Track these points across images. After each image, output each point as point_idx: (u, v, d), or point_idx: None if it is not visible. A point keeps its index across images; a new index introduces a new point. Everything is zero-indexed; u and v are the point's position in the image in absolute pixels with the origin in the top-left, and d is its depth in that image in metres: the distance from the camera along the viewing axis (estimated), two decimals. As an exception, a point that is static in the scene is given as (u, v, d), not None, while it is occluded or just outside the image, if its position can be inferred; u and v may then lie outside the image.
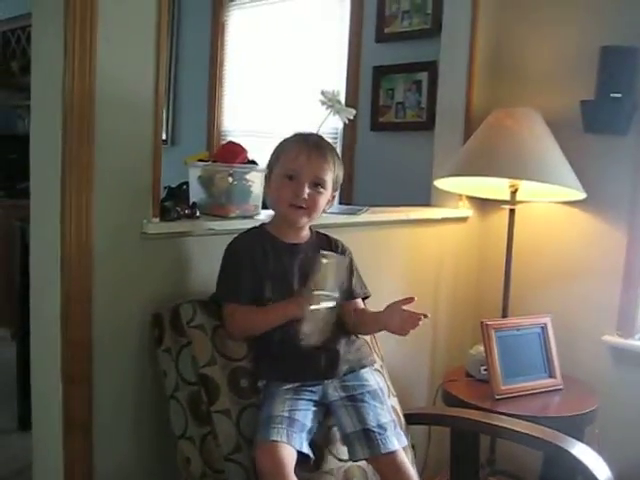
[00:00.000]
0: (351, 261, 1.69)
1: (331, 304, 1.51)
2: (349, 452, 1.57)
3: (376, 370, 1.73)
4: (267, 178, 1.64)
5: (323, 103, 1.87)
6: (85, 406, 1.53)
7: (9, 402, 3.10)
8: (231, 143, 1.89)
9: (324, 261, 1.47)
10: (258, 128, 3.89)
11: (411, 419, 1.87)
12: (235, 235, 1.61)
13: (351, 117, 1.92)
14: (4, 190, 4.61)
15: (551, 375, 2.27)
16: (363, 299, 1.71)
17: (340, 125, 3.44)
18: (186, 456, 1.50)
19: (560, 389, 2.26)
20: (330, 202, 1.64)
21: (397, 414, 1.80)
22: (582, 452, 1.68)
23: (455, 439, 2.25)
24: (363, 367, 1.63)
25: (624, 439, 2.31)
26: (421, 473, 1.97)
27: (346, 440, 1.57)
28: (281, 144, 1.62)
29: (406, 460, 1.57)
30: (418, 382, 2.57)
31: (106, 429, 1.58)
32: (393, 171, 3.33)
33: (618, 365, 2.43)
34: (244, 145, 1.84)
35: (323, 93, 1.87)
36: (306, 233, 1.64)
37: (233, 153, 1.78)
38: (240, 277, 1.56)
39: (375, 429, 1.53)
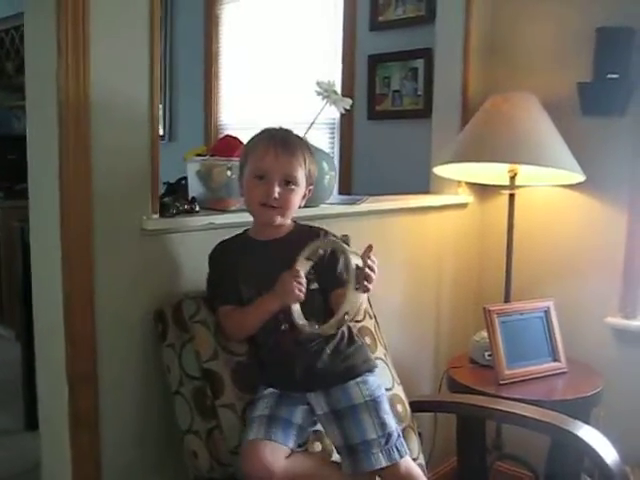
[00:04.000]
0: (336, 244, 1.50)
1: (313, 285, 1.48)
2: (340, 463, 1.52)
3: (377, 367, 1.63)
4: (239, 179, 1.58)
5: (319, 94, 1.87)
6: (91, 404, 1.53)
7: (15, 402, 3.11)
8: (228, 137, 1.88)
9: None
10: (255, 120, 3.87)
11: (416, 407, 1.87)
12: (225, 236, 1.61)
13: (347, 107, 1.92)
14: (3, 191, 4.61)
15: (555, 359, 2.27)
16: None
17: (337, 115, 3.44)
18: (193, 450, 1.50)
19: (565, 372, 2.26)
20: (307, 196, 1.59)
21: (402, 403, 1.80)
22: (588, 434, 1.67)
23: (461, 425, 2.26)
24: (353, 378, 1.53)
25: (630, 420, 2.31)
26: (428, 460, 1.98)
27: (336, 451, 1.54)
28: (249, 143, 1.58)
29: (411, 470, 1.50)
30: (422, 369, 2.58)
31: (113, 426, 1.58)
32: (391, 160, 3.33)
33: (622, 346, 2.43)
34: (242, 138, 1.84)
35: (319, 84, 1.88)
36: (285, 228, 1.58)
37: (230, 146, 1.78)
38: (221, 282, 1.56)
39: (359, 447, 1.47)
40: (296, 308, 1.44)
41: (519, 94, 2.34)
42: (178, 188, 1.91)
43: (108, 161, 1.52)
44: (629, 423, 2.29)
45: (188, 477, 1.54)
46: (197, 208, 1.71)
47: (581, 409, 2.03)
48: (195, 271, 1.62)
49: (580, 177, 2.27)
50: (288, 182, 1.51)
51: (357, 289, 1.36)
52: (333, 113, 3.35)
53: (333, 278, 1.51)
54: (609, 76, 2.30)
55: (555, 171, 2.27)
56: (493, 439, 2.44)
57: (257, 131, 1.59)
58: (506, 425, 2.40)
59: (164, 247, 1.64)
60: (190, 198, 1.73)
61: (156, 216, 1.61)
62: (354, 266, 1.35)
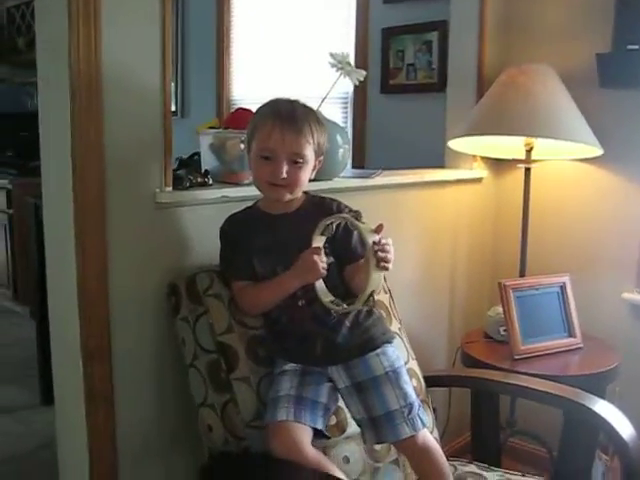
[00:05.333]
0: (349, 220, 1.48)
1: (329, 259, 1.46)
2: (362, 436, 1.53)
3: (395, 339, 1.62)
4: (247, 152, 1.55)
5: (333, 65, 1.85)
6: (106, 379, 1.54)
7: (31, 378, 3.14)
8: (241, 109, 1.86)
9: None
10: (268, 95, 3.85)
11: (431, 381, 1.86)
12: (235, 210, 1.60)
13: (361, 78, 1.90)
14: (16, 168, 4.62)
15: (571, 334, 2.25)
16: None
17: (350, 89, 3.41)
18: (207, 423, 1.50)
19: (580, 348, 2.24)
20: (317, 167, 1.55)
21: (417, 378, 1.80)
22: (604, 409, 1.66)
23: (475, 400, 2.26)
24: (372, 349, 1.52)
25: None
26: (442, 435, 1.98)
27: (357, 424, 1.54)
28: (255, 118, 1.53)
29: (428, 442, 1.50)
30: (437, 344, 2.57)
31: (128, 400, 1.59)
32: (405, 134, 3.30)
33: (638, 322, 2.41)
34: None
35: (332, 55, 1.85)
36: (297, 201, 1.55)
37: (244, 119, 1.75)
38: (233, 257, 1.54)
39: (382, 418, 1.47)
40: (320, 285, 1.44)
41: (536, 66, 2.30)
42: (191, 163, 1.90)
43: (120, 135, 1.51)
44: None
45: (203, 451, 1.54)
46: (210, 181, 1.70)
47: (596, 385, 2.01)
48: (208, 244, 1.61)
49: (598, 151, 2.24)
50: (296, 160, 1.47)
51: (377, 266, 1.34)
52: (346, 87, 3.31)
53: (348, 252, 1.51)
54: (629, 47, 2.25)
55: (572, 145, 2.24)
56: (507, 416, 2.43)
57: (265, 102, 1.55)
58: (520, 402, 2.39)
59: (177, 220, 1.63)
60: (203, 171, 1.72)
61: (169, 189, 1.60)
62: (371, 243, 1.34)
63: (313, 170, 1.55)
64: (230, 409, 1.48)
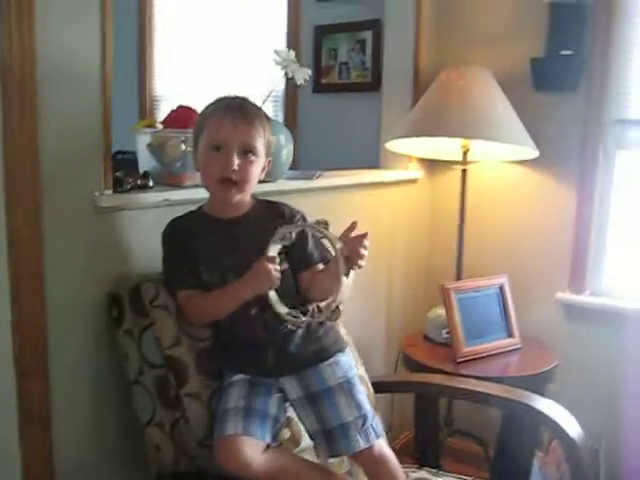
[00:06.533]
0: (315, 229, 1.48)
1: (284, 266, 1.41)
2: (314, 449, 1.47)
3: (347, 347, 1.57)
4: (193, 151, 1.47)
5: (278, 63, 1.79)
6: (42, 398, 1.41)
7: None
8: (182, 107, 1.77)
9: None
10: (194, 91, 3.70)
11: (378, 387, 1.83)
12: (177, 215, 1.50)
13: (307, 77, 1.85)
14: None
15: (510, 335, 2.28)
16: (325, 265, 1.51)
17: (281, 88, 3.34)
18: (156, 443, 1.41)
19: (519, 348, 2.27)
20: (266, 168, 1.48)
21: (366, 385, 1.76)
22: (549, 408, 1.69)
23: (419, 404, 2.25)
24: (325, 359, 1.47)
25: (581, 394, 2.32)
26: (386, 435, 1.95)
27: (310, 437, 1.48)
28: (203, 112, 1.46)
29: (384, 452, 1.47)
30: (375, 348, 2.54)
31: (65, 420, 1.47)
32: (338, 134, 3.24)
33: (571, 321, 2.46)
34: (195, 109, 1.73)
35: (277, 52, 1.79)
36: (245, 205, 1.48)
37: (185, 118, 1.67)
38: (179, 265, 1.45)
39: (336, 430, 1.42)
40: (272, 295, 1.37)
41: (473, 68, 2.32)
42: (115, 163, 1.78)
43: (56, 135, 1.39)
44: (581, 397, 2.30)
45: (150, 472, 1.45)
46: (151, 183, 1.60)
47: (537, 385, 2.04)
48: (152, 251, 1.50)
49: (534, 153, 2.27)
50: (247, 152, 1.41)
51: (347, 274, 1.33)
52: (276, 85, 3.22)
53: (304, 258, 1.46)
54: (562, 52, 2.29)
55: (508, 146, 2.26)
56: (444, 416, 2.44)
57: (210, 101, 1.48)
58: (457, 402, 2.40)
59: (118, 225, 1.52)
60: (143, 173, 1.62)
61: (109, 192, 1.49)
62: (339, 252, 1.31)
63: (262, 171, 1.48)
64: (181, 427, 1.40)
